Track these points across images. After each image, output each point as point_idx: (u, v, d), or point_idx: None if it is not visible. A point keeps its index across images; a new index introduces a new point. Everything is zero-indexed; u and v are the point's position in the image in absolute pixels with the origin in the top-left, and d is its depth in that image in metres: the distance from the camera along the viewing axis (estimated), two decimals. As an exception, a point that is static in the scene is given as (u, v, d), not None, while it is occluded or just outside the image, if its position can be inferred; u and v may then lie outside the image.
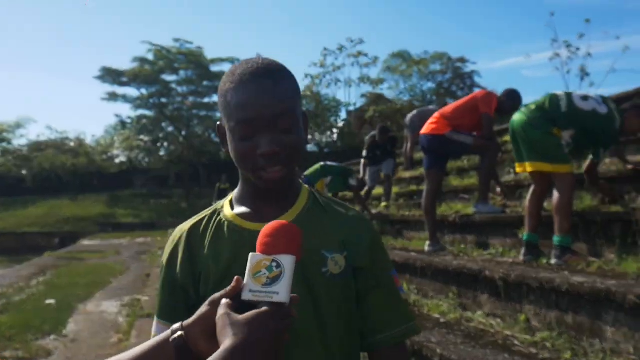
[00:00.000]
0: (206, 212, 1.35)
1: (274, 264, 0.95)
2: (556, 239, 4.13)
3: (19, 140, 39.76)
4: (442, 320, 4.14)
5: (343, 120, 36.57)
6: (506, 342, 3.42)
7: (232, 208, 1.32)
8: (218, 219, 1.31)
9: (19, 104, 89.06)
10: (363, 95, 36.83)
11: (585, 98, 4.26)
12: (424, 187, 5.99)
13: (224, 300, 0.97)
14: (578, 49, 16.71)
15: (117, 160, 40.41)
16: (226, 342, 0.90)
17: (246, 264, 1.04)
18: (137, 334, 5.94)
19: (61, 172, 36.16)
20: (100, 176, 37.28)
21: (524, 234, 4.48)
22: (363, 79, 35.51)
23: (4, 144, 38.48)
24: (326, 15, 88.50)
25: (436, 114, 5.93)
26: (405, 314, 1.33)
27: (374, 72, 59.94)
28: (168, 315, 1.28)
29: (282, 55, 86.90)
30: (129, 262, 14.59)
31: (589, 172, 4.50)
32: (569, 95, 4.29)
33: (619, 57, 43.61)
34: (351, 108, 36.19)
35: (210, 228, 1.29)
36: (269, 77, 1.19)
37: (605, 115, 4.15)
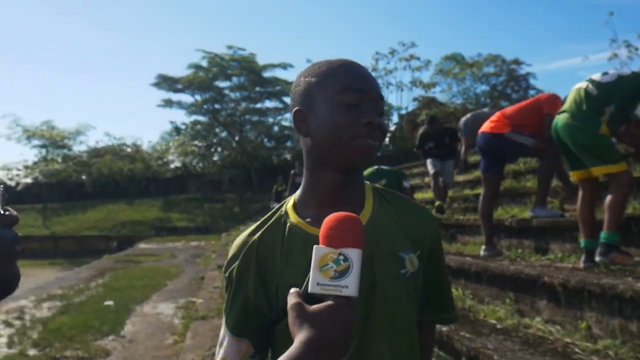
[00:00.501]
0: (268, 217, 1.31)
1: (341, 257, 0.94)
2: (603, 235, 4.04)
3: (79, 147, 41.08)
4: (498, 326, 4.04)
5: (395, 124, 36.38)
6: (566, 350, 3.31)
7: (299, 214, 1.28)
8: (287, 227, 1.26)
9: (78, 110, 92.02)
10: (415, 99, 36.56)
11: (605, 73, 4.28)
12: (481, 191, 5.87)
13: (293, 290, 0.98)
14: (637, 49, 16.11)
15: (172, 166, 41.28)
16: (300, 335, 0.91)
17: None
18: (192, 336, 6.03)
19: (119, 177, 37.17)
20: (156, 181, 38.14)
21: (581, 240, 4.35)
22: (415, 83, 35.29)
23: (65, 151, 39.79)
24: (377, 19, 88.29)
25: (497, 113, 5.83)
26: (452, 296, 1.43)
27: (426, 76, 59.63)
28: (241, 330, 1.25)
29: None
30: (183, 265, 14.85)
31: (628, 132, 4.27)
32: (590, 81, 4.28)
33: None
34: (403, 112, 35.99)
35: (280, 239, 1.25)
36: (365, 68, 1.28)
37: (631, 74, 4.20)
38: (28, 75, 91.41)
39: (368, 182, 1.35)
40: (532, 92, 35.67)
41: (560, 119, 4.39)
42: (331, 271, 0.94)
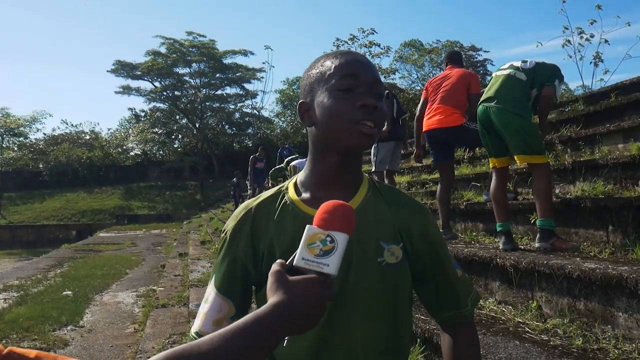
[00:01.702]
0: (271, 192, 1.40)
1: (329, 239, 1.01)
2: (540, 222, 4.20)
3: (35, 135, 40.13)
4: (453, 308, 4.13)
5: (356, 109, 36.48)
6: (517, 329, 3.40)
7: (297, 192, 1.36)
8: (283, 201, 1.35)
9: (35, 98, 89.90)
10: (376, 85, 36.65)
11: (524, 61, 4.57)
12: (439, 180, 5.91)
13: (278, 260, 1.02)
14: (592, 35, 16.40)
15: (131, 153, 40.67)
16: (274, 297, 0.94)
17: None
18: (152, 324, 6.00)
19: (77, 165, 36.48)
20: (116, 169, 37.58)
21: (498, 224, 4.52)
22: (375, 69, 35.35)
23: (21, 139, 38.80)
24: (338, 5, 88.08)
25: (439, 106, 5.77)
26: (466, 289, 1.42)
27: (386, 62, 59.77)
28: (227, 290, 1.32)
29: (294, 46, 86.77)
30: (144, 254, 14.72)
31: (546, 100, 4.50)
32: (514, 67, 4.53)
33: (635, 43, 42.88)
34: (364, 97, 36.06)
35: (275, 209, 1.33)
36: (363, 55, 1.34)
37: (543, 62, 4.55)
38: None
39: (366, 175, 1.42)
40: (488, 78, 36.17)
41: (492, 105, 4.45)
42: (317, 249, 1.00)
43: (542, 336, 3.22)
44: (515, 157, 4.38)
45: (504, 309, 3.84)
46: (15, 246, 27.61)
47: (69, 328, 6.51)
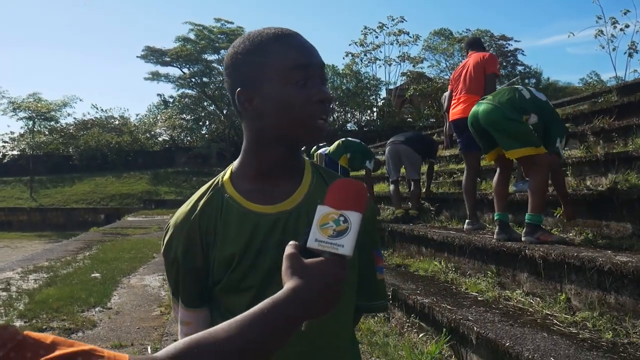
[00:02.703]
0: (205, 191, 1.30)
1: (342, 218, 0.98)
2: (528, 217, 4.26)
3: (66, 119, 40.69)
4: (480, 298, 4.11)
5: (383, 99, 36.30)
6: (545, 321, 3.37)
7: (235, 185, 1.28)
8: (223, 200, 1.26)
9: (65, 83, 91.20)
10: (403, 74, 36.47)
11: (538, 91, 4.67)
12: (465, 169, 5.88)
13: (291, 242, 0.99)
14: (627, 25, 16.08)
15: (160, 139, 41.02)
16: (290, 282, 0.92)
17: (260, 247, 1.20)
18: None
19: (106, 150, 36.91)
20: (144, 154, 37.93)
21: (496, 213, 4.62)
22: (403, 57, 35.14)
23: (52, 123, 39.38)
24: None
25: (463, 95, 5.80)
26: (375, 293, 1.41)
27: (414, 51, 59.30)
28: (199, 302, 1.29)
29: (323, 34, 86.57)
30: (171, 238, 14.85)
31: (554, 175, 4.43)
32: (527, 88, 4.60)
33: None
34: (391, 87, 35.89)
35: (217, 212, 1.25)
36: (302, 36, 1.23)
37: (554, 108, 4.62)
38: (14, 49, 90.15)
39: (307, 159, 1.36)
40: (520, 67, 35.69)
41: (483, 103, 4.54)
42: (330, 230, 0.98)
43: (571, 329, 3.18)
44: (508, 153, 4.40)
45: (531, 301, 3.81)
46: (45, 228, 28.13)
47: (97, 309, 6.61)
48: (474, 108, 4.64)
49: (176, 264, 1.26)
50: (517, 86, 4.60)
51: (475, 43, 6.13)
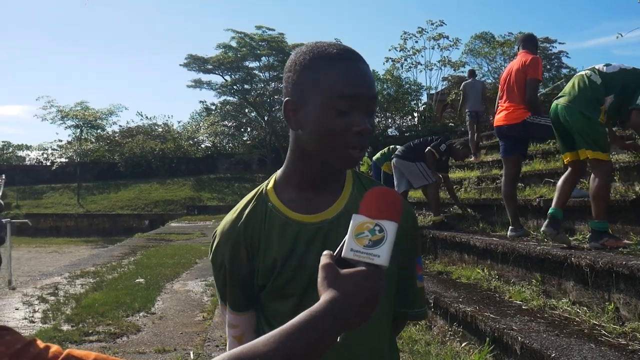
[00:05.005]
0: (250, 200, 1.33)
1: (377, 228, 0.97)
2: (593, 224, 4.25)
3: (112, 127, 41.49)
4: (524, 307, 4.02)
5: (424, 104, 36.03)
6: (592, 332, 3.28)
7: (278, 193, 1.31)
8: (267, 209, 1.29)
9: (111, 91, 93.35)
10: (444, 79, 36.14)
11: (607, 65, 4.47)
12: (503, 174, 5.81)
13: (326, 252, 0.99)
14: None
15: (202, 145, 41.55)
16: (327, 294, 0.91)
17: (301, 256, 1.23)
18: (220, 313, 6.12)
19: (150, 157, 37.57)
20: (187, 161, 38.49)
21: (551, 208, 4.57)
22: (444, 62, 34.84)
23: (98, 131, 40.30)
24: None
25: (505, 103, 5.69)
26: (415, 300, 1.42)
27: (455, 55, 58.70)
28: (246, 306, 1.33)
29: (363, 39, 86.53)
30: (213, 244, 15.00)
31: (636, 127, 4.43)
32: (593, 70, 4.44)
33: None
34: (432, 92, 35.59)
35: (262, 221, 1.29)
36: (363, 61, 1.22)
37: (633, 69, 4.39)
38: (61, 56, 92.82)
39: (349, 170, 1.36)
40: (564, 70, 34.96)
41: (560, 102, 4.50)
42: (366, 239, 0.96)
43: (620, 340, 3.09)
44: (579, 152, 4.39)
45: (578, 310, 3.71)
46: (92, 234, 28.80)
47: (141, 314, 6.72)
48: (553, 105, 4.61)
49: (223, 270, 1.32)
50: (585, 72, 4.48)
51: (527, 41, 6.00)
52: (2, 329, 0.73)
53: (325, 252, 0.99)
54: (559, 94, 4.62)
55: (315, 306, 0.90)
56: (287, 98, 1.24)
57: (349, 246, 0.97)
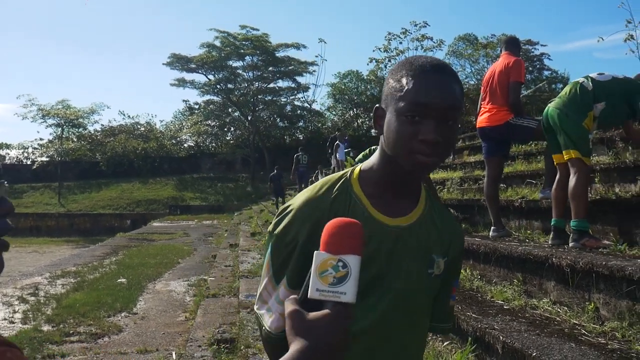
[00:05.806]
0: (334, 183, 1.34)
1: (340, 264, 0.95)
2: (573, 223, 4.30)
3: (93, 126, 41.24)
4: (505, 306, 4.05)
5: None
6: (573, 331, 3.31)
7: (362, 186, 1.33)
8: (351, 198, 1.32)
9: (93, 90, 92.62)
10: (428, 79, 36.27)
11: (600, 74, 4.60)
12: (485, 175, 5.85)
13: (291, 297, 0.99)
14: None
15: (185, 145, 41.37)
16: (295, 343, 0.92)
17: (370, 254, 1.23)
18: (202, 313, 6.10)
19: (132, 156, 37.35)
20: (170, 160, 38.33)
21: (552, 219, 4.62)
22: (428, 63, 34.99)
23: (80, 130, 39.97)
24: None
25: (488, 105, 5.69)
26: (446, 317, 1.50)
27: (439, 56, 58.98)
28: (299, 283, 1.29)
29: (346, 40, 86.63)
30: (196, 244, 14.98)
31: (628, 132, 4.78)
32: (587, 77, 4.59)
33: None
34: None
35: (345, 207, 1.30)
36: (449, 73, 1.26)
37: (623, 78, 4.57)
38: (42, 55, 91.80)
39: (424, 186, 1.42)
40: (546, 72, 35.29)
41: (551, 106, 4.63)
42: (330, 277, 0.95)
43: (599, 339, 3.12)
44: (564, 153, 4.45)
45: (559, 310, 3.74)
46: (73, 234, 28.57)
47: (123, 314, 6.68)
48: (545, 110, 4.72)
49: (292, 246, 1.29)
50: (581, 80, 4.59)
51: (510, 43, 6.04)
52: None
53: (290, 297, 0.99)
54: (550, 102, 4.73)
55: (286, 357, 0.91)
56: (377, 104, 1.32)
57: (314, 286, 0.95)
